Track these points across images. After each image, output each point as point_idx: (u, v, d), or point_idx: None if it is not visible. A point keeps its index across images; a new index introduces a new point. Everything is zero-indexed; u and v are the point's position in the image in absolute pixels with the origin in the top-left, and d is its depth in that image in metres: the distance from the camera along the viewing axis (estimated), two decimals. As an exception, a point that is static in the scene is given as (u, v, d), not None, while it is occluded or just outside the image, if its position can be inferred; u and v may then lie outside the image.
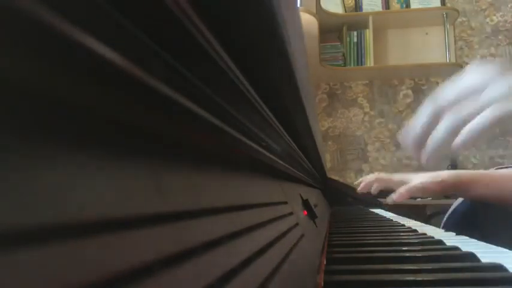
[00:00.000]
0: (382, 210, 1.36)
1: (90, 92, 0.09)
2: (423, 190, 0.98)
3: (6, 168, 0.07)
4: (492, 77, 0.46)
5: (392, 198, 1.03)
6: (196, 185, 0.16)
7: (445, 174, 0.96)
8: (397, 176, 1.12)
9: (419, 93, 2.30)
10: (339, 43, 2.31)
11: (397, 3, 2.35)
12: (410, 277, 0.36)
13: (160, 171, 0.13)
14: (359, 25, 2.28)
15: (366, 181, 1.22)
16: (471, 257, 0.44)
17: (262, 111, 0.24)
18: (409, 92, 2.31)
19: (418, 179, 1.00)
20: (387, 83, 2.33)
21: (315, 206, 0.61)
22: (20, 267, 0.06)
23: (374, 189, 1.17)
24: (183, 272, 0.12)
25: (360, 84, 2.35)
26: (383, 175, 1.19)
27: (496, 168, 1.02)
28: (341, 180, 1.72)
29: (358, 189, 1.28)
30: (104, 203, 0.09)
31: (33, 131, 0.08)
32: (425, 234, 0.66)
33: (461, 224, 1.00)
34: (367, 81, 2.35)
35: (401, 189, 1.00)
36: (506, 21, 2.29)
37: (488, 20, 2.30)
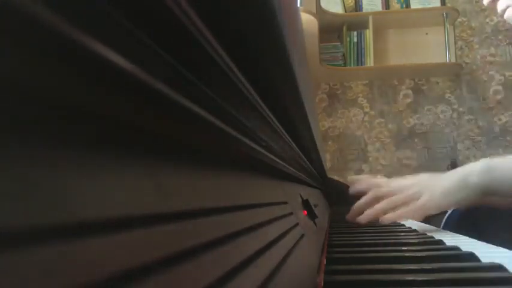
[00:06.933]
0: None
1: (90, 92, 0.09)
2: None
3: (6, 168, 0.07)
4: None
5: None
6: (196, 185, 0.16)
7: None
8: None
9: (419, 93, 2.29)
10: (339, 43, 2.31)
11: (397, 3, 2.34)
12: (410, 277, 0.36)
13: (160, 171, 0.13)
14: (359, 25, 2.27)
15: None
16: (471, 257, 0.44)
17: (262, 111, 0.24)
18: (409, 92, 2.31)
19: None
20: (387, 83, 2.33)
21: (315, 206, 0.61)
22: (20, 267, 0.06)
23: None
24: (182, 272, 0.12)
25: (360, 84, 2.34)
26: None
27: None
28: (341, 180, 1.72)
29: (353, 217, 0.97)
30: (103, 203, 0.09)
31: (34, 131, 0.08)
32: (425, 234, 0.66)
33: (461, 224, 1.00)
34: (367, 81, 2.34)
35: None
36: (506, 21, 2.28)
37: (488, 20, 2.29)
